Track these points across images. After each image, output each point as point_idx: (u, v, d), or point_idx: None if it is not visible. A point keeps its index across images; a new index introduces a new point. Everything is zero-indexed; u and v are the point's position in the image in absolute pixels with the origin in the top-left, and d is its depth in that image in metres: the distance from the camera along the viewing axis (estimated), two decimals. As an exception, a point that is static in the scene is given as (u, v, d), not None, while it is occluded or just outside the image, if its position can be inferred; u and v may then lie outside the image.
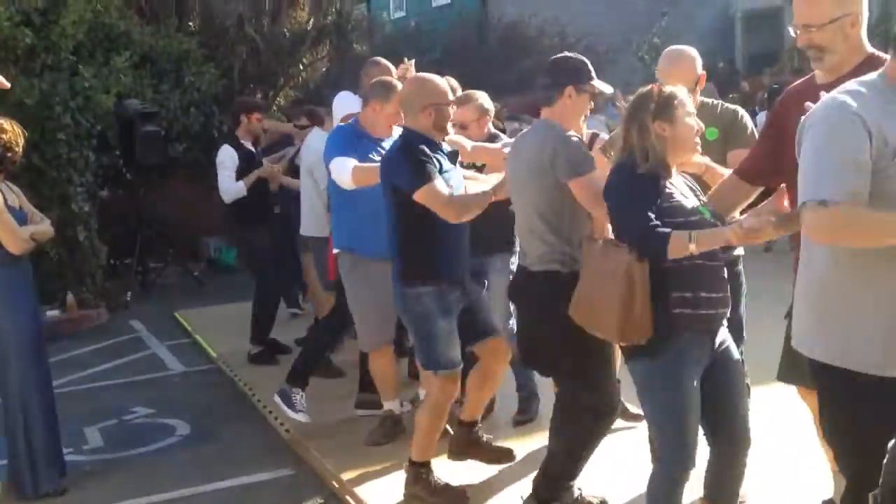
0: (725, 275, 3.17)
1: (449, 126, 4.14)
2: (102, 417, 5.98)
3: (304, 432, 5.24)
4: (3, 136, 4.45)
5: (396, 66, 5.27)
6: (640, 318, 3.01)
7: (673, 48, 4.07)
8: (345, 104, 5.41)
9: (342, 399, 5.62)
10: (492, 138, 4.92)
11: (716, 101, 4.13)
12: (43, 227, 4.68)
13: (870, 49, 3.07)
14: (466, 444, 4.44)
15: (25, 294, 4.62)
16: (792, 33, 3.11)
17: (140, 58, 10.79)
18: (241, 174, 6.77)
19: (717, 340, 3.18)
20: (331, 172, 4.72)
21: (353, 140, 4.69)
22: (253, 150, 6.98)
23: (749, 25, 18.11)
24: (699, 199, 3.18)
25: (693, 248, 2.93)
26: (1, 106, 7.96)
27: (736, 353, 3.30)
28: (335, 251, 4.98)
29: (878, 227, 2.36)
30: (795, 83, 3.36)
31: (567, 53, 3.86)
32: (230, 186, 6.73)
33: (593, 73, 3.75)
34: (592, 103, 3.85)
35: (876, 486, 2.33)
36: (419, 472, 4.19)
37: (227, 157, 6.78)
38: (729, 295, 3.18)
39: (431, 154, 3.93)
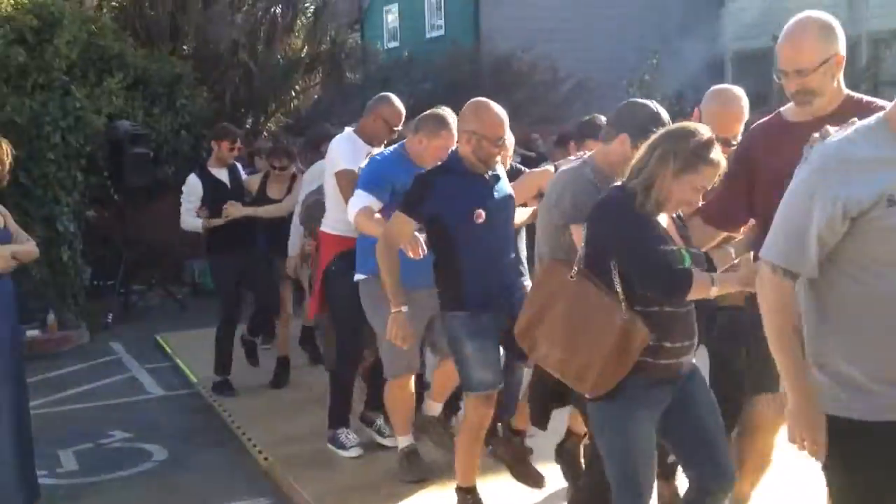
0: (694, 320, 3.06)
1: None
2: (78, 440, 5.91)
3: (283, 461, 5.19)
4: (-11, 153, 4.42)
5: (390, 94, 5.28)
6: (615, 379, 2.93)
7: (724, 88, 3.81)
8: (344, 150, 5.11)
9: (323, 428, 5.58)
10: (515, 173, 4.86)
11: None
12: (27, 247, 4.64)
13: (846, 90, 3.08)
14: (511, 452, 4.43)
15: (5, 312, 4.56)
16: (776, 79, 3.08)
17: (133, 80, 10.80)
18: (209, 203, 6.57)
19: (680, 381, 3.07)
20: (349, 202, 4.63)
21: (391, 165, 4.60)
22: (225, 178, 6.71)
23: (739, 65, 18.27)
24: (680, 240, 3.08)
25: (715, 290, 2.88)
26: (-10, 123, 7.97)
27: (704, 385, 3.19)
28: (362, 276, 4.77)
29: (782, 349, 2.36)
30: (761, 121, 3.31)
31: (643, 101, 3.57)
32: (186, 219, 6.66)
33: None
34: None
35: None
36: (465, 498, 4.16)
37: (188, 187, 6.65)
38: (696, 341, 3.08)
39: (434, 185, 3.97)
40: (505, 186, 4.19)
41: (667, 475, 3.89)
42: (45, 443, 5.44)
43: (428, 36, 19.36)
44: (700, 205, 3.08)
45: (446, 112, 4.63)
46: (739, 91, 3.76)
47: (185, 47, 13.32)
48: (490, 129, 3.98)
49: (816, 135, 2.44)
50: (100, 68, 10.52)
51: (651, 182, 2.92)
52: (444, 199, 3.97)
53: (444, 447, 4.66)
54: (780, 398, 3.15)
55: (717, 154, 2.93)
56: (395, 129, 5.12)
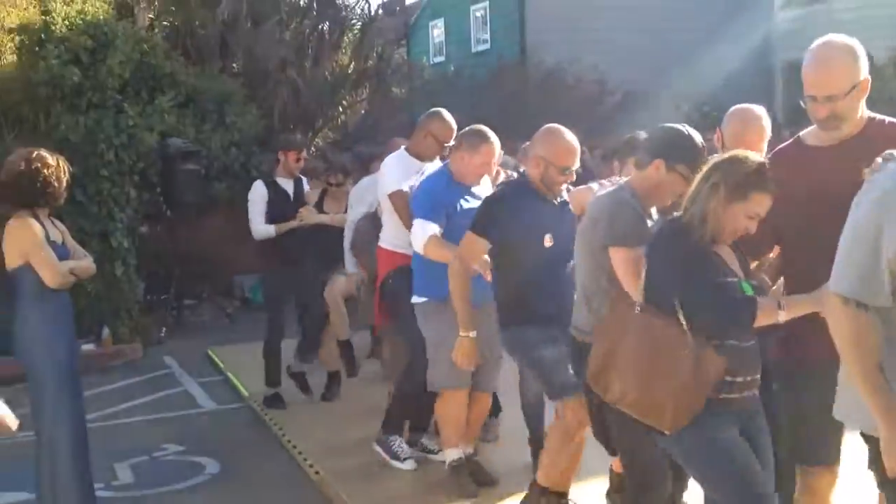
0: (758, 353, 3.00)
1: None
2: (133, 453, 6.00)
3: (333, 473, 5.21)
4: (46, 170, 4.48)
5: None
6: (693, 412, 2.86)
7: (743, 108, 3.77)
8: (393, 171, 5.15)
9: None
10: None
11: None
12: (84, 262, 4.71)
13: (867, 112, 3.03)
14: None
15: (63, 328, 4.64)
16: (803, 105, 3.02)
17: (184, 98, 10.98)
18: (274, 212, 6.71)
19: (745, 413, 3.01)
20: (411, 231, 4.66)
21: (442, 189, 4.61)
22: (290, 189, 6.87)
23: (790, 76, 18.03)
24: (741, 272, 3.01)
25: (783, 315, 2.83)
26: (46, 142, 8.14)
27: (766, 431, 3.10)
28: (420, 300, 4.74)
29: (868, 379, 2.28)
30: (780, 147, 3.27)
31: (675, 126, 3.54)
32: (258, 226, 6.74)
33: (697, 159, 3.30)
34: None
35: None
36: (539, 499, 4.13)
37: (256, 195, 6.78)
38: (759, 377, 3.01)
39: (505, 207, 3.99)
40: (570, 210, 4.19)
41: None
42: (101, 456, 5.50)
43: (474, 50, 19.41)
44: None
45: (485, 128, 4.64)
46: (760, 110, 3.73)
47: (234, 65, 13.53)
48: (557, 158, 3.97)
49: (879, 159, 2.39)
50: (152, 87, 10.71)
51: (705, 213, 2.89)
52: (514, 219, 3.98)
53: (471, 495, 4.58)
54: (835, 470, 3.13)
55: (768, 180, 2.89)
56: (446, 144, 5.08)
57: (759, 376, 3.02)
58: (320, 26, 14.80)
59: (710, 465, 2.98)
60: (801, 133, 3.16)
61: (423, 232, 4.52)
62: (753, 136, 3.59)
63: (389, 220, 5.16)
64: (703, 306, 2.86)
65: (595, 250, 3.48)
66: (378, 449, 5.19)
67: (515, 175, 5.58)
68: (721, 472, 2.96)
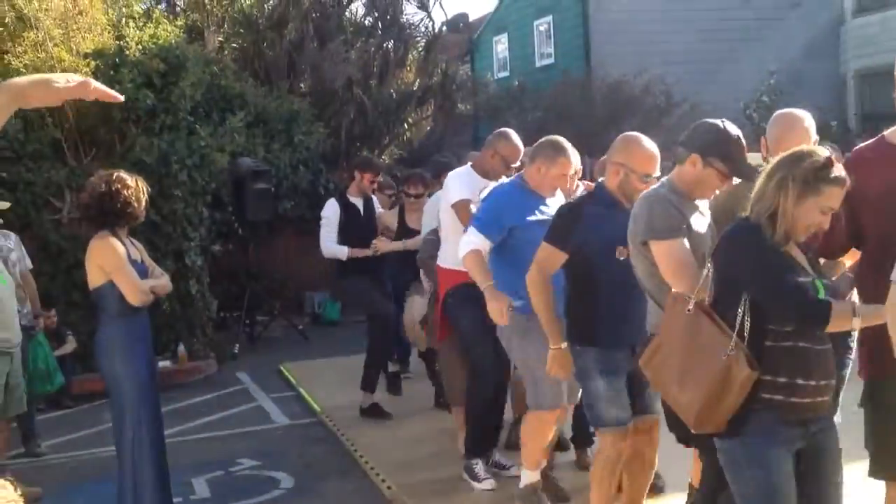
0: (831, 358, 2.91)
1: None
2: (209, 468, 6.09)
3: (406, 489, 5.22)
4: (126, 191, 4.60)
5: (501, 124, 5.27)
6: (721, 417, 2.85)
7: (785, 112, 3.80)
8: (457, 183, 5.21)
9: (447, 456, 5.59)
10: None
11: None
12: (162, 281, 4.82)
13: None
14: None
15: (143, 345, 4.74)
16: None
17: (253, 117, 11.18)
18: (344, 229, 6.82)
19: (814, 427, 2.91)
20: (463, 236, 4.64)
21: (515, 200, 4.57)
22: (361, 206, 7.01)
23: (863, 83, 17.64)
24: (813, 272, 2.94)
25: (857, 322, 2.76)
26: (122, 163, 8.34)
27: (835, 439, 2.99)
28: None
29: None
30: (862, 145, 3.21)
31: (712, 121, 3.56)
32: (330, 246, 6.83)
33: (732, 153, 3.43)
34: None
35: None
36: None
37: (330, 212, 6.89)
38: (833, 382, 2.92)
39: (581, 218, 3.96)
40: None
41: None
42: (179, 470, 5.59)
43: (538, 65, 19.40)
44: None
45: (563, 140, 4.62)
46: (803, 113, 3.70)
47: (301, 85, 13.75)
48: (639, 164, 3.93)
49: None
50: (222, 107, 10.94)
51: (773, 211, 2.83)
52: (590, 229, 3.94)
53: None
54: None
55: (839, 172, 2.84)
56: (512, 166, 5.09)
57: (833, 382, 2.93)
58: (385, 44, 14.96)
59: (745, 492, 2.91)
60: (885, 132, 3.09)
61: (470, 243, 4.53)
62: (797, 139, 3.52)
63: (448, 237, 5.17)
64: (774, 306, 2.82)
65: (640, 249, 3.50)
66: (465, 477, 5.19)
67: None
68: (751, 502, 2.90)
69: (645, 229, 3.44)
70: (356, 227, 6.87)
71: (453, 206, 5.11)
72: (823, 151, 2.90)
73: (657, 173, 4.02)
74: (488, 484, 5.08)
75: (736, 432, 2.86)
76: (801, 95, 15.03)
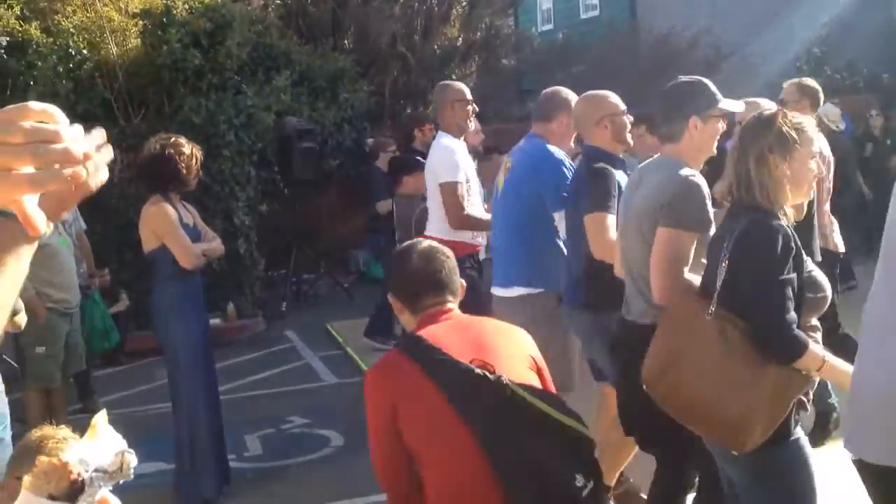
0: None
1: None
2: (261, 425, 6.22)
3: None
4: (179, 157, 4.66)
5: (546, 78, 5.15)
6: (771, 427, 2.65)
7: (752, 100, 3.75)
8: (444, 155, 5.04)
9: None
10: None
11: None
12: (214, 244, 4.91)
13: None
14: None
15: (195, 306, 4.85)
16: None
17: (298, 76, 11.18)
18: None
19: None
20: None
21: (569, 170, 4.27)
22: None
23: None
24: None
25: (816, 376, 2.71)
26: (171, 124, 8.43)
27: None
28: (533, 290, 4.26)
29: None
30: None
31: (682, 78, 3.44)
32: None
33: (717, 94, 3.34)
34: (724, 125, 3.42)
35: None
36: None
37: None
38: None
39: (611, 175, 3.86)
40: None
41: None
42: (232, 427, 5.71)
43: (582, 17, 19.12)
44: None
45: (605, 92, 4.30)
46: (768, 103, 3.68)
47: (345, 42, 13.71)
48: (614, 107, 4.01)
49: None
50: (267, 66, 10.95)
51: (766, 188, 2.66)
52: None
53: None
54: None
55: (794, 115, 2.80)
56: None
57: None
58: (429, 0, 14.85)
59: (785, 497, 2.79)
60: None
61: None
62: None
63: (438, 208, 5.02)
64: (756, 318, 2.63)
65: (646, 231, 3.22)
66: None
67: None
68: None
69: (675, 217, 3.10)
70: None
71: (442, 186, 4.93)
72: (769, 104, 2.86)
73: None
74: None
75: (788, 434, 2.71)
76: (853, 48, 14.72)
